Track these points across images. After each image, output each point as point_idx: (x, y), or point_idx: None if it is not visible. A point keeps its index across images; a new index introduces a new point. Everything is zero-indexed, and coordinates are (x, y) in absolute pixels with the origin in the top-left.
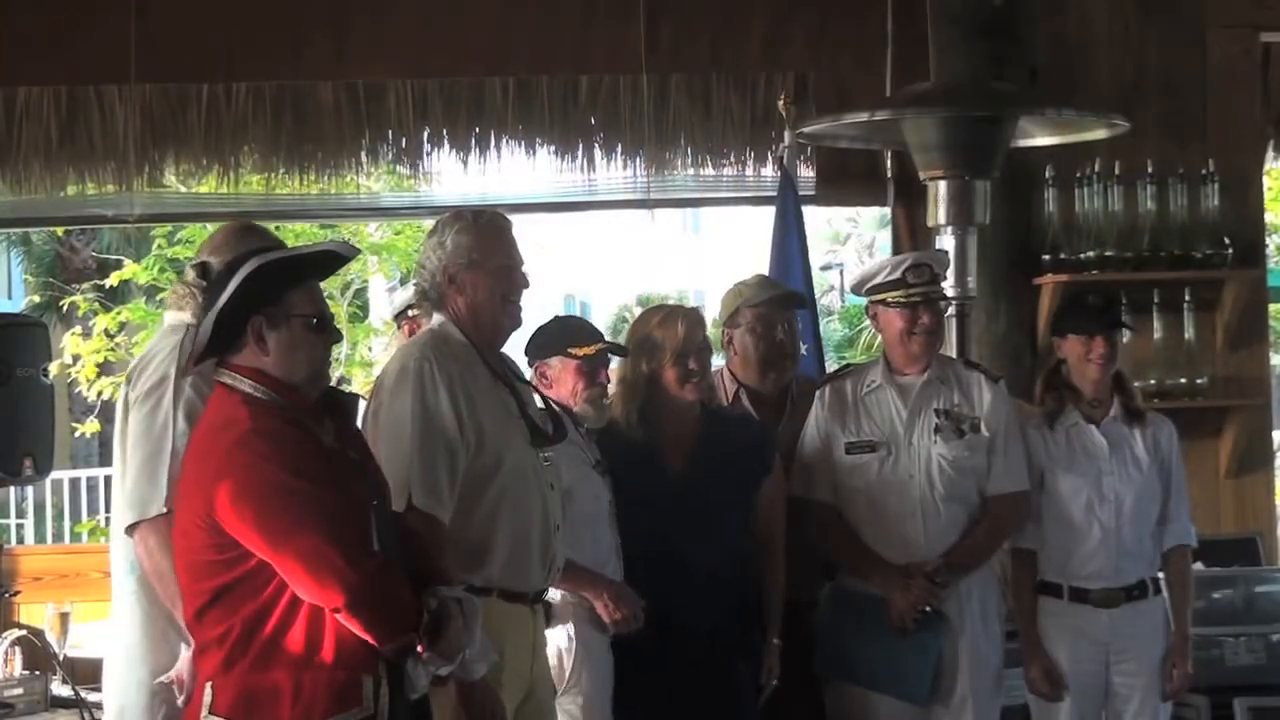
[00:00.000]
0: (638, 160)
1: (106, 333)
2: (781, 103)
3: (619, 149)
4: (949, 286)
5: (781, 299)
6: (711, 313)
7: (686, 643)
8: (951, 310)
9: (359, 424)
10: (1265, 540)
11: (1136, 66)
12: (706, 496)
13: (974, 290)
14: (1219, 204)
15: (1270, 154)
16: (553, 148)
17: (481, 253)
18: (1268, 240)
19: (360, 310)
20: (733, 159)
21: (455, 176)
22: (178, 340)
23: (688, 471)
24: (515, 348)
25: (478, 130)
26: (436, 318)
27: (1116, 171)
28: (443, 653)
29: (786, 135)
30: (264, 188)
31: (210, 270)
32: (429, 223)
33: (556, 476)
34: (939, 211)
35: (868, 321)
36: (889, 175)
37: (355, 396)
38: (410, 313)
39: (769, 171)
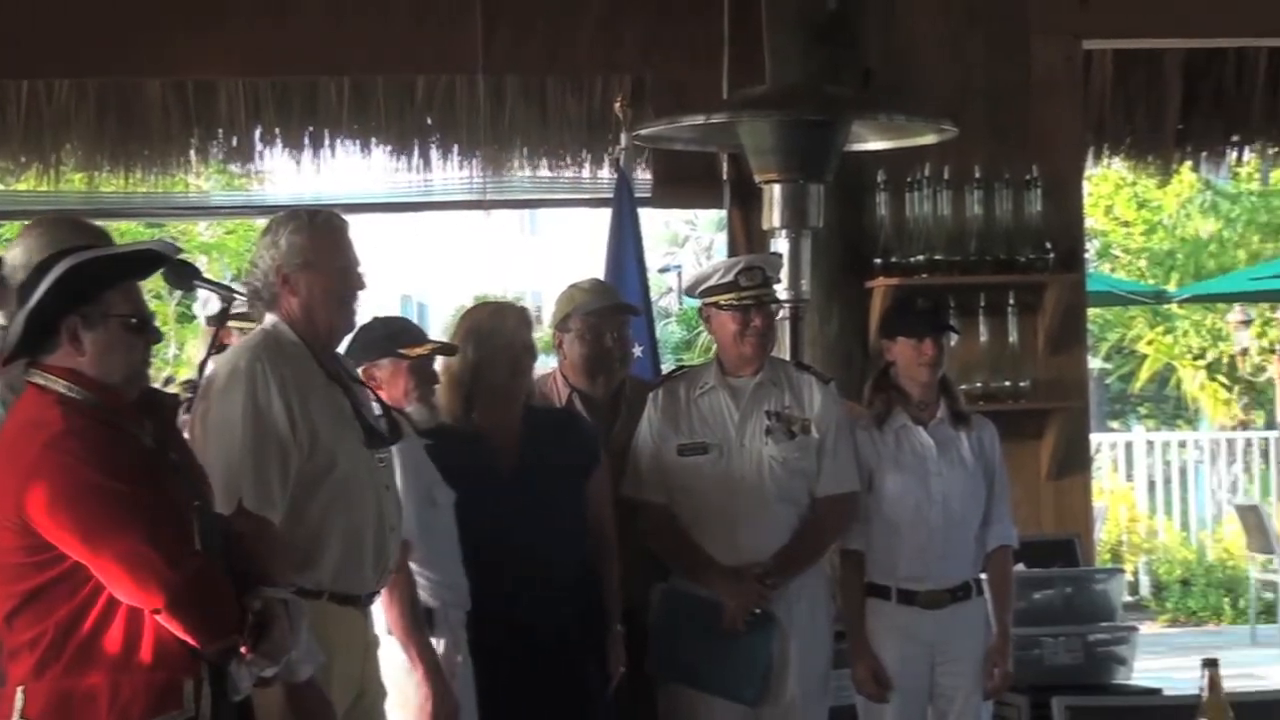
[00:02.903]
0: (474, 161)
1: None
2: (617, 105)
3: (455, 150)
4: (783, 289)
5: (613, 309)
6: (550, 314)
7: (533, 641)
8: (785, 313)
9: (184, 424)
10: (1083, 541)
11: (964, 72)
12: (539, 493)
13: (807, 293)
14: (1042, 209)
15: (1090, 159)
16: (388, 148)
17: (317, 253)
18: (1087, 245)
19: (188, 310)
20: (569, 161)
21: (288, 176)
22: None
23: (518, 469)
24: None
25: (311, 130)
26: (269, 318)
27: (945, 176)
28: (266, 654)
29: (622, 137)
30: (87, 186)
31: (3, 265)
32: (261, 222)
33: (391, 478)
34: (774, 214)
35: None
36: (725, 178)
37: (175, 397)
38: (230, 324)
39: (606, 173)
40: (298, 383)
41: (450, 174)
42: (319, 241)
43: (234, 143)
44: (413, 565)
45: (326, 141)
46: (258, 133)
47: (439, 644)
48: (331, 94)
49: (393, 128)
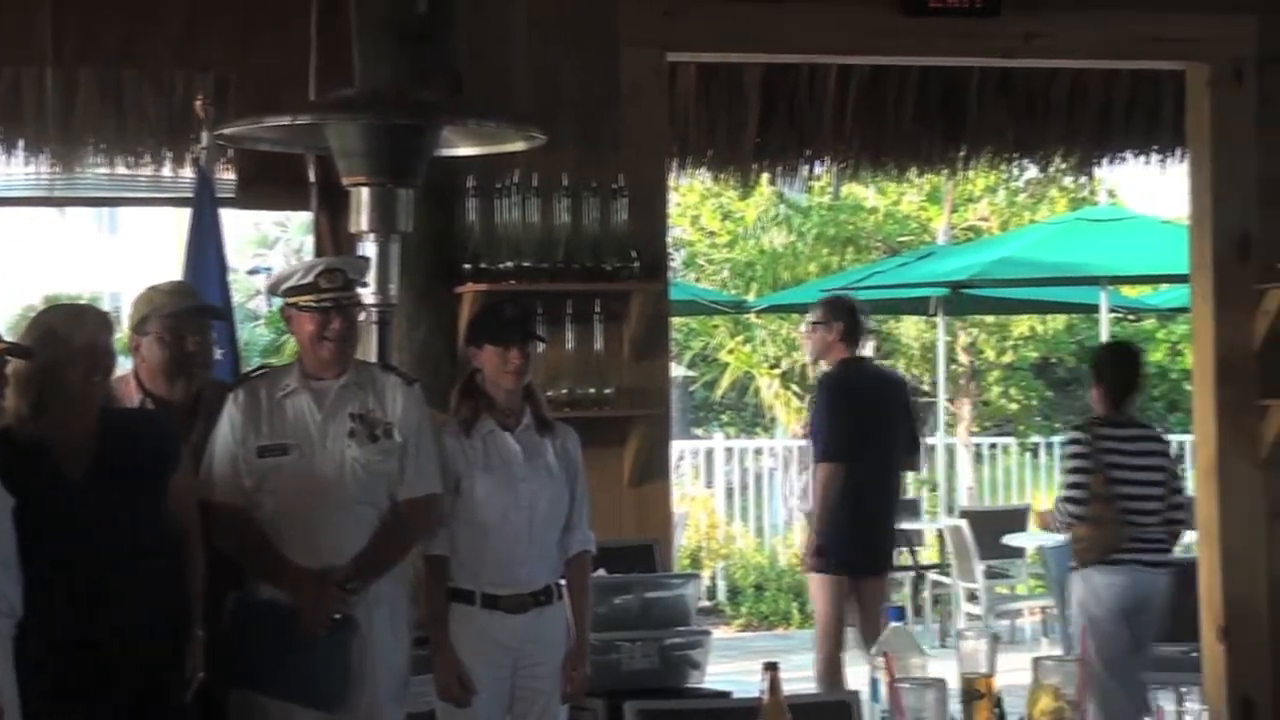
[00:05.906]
0: (41, 157)
1: None
2: (198, 103)
3: (21, 144)
4: (370, 293)
5: (195, 310)
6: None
7: (106, 649)
8: (373, 317)
9: None
10: (662, 547)
11: (554, 80)
12: (115, 497)
13: (395, 297)
14: (628, 218)
15: (675, 170)
16: None
17: None
18: (674, 254)
19: None
20: (149, 159)
21: None
22: None
23: (91, 475)
24: None
25: None
26: None
27: (534, 183)
28: None
29: (204, 136)
30: None
31: None
32: None
33: None
34: (361, 218)
35: None
36: (312, 180)
37: None
38: None
39: (188, 173)
40: None
41: (15, 169)
42: None
43: None
44: None
45: None
46: None
47: None
48: None
49: None
